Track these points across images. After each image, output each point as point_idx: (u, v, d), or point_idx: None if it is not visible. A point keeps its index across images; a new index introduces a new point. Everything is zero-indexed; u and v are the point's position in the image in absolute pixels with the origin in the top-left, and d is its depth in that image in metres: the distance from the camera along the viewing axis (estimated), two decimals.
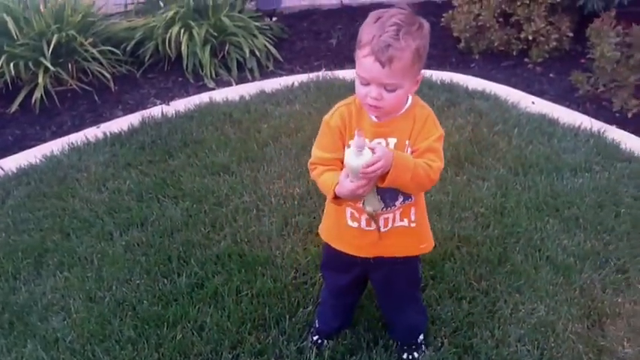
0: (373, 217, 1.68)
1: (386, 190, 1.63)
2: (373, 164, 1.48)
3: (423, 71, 1.60)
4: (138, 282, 2.35)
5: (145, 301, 2.26)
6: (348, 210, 1.74)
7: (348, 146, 1.58)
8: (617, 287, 2.32)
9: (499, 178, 2.89)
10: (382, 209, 1.68)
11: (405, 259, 1.85)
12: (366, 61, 1.50)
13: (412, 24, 1.51)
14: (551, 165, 2.99)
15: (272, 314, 2.19)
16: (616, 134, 3.26)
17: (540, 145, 3.15)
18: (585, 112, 3.56)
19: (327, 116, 1.70)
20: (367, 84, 1.54)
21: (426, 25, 1.56)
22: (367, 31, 1.51)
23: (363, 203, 1.64)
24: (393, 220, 1.74)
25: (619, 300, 2.26)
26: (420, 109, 1.66)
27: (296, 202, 2.73)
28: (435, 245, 2.44)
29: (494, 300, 2.26)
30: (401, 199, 1.70)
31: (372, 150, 1.50)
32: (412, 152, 1.64)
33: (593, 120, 3.40)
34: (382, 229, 1.73)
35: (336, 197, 1.62)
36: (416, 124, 1.63)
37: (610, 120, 3.47)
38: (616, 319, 2.19)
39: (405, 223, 1.76)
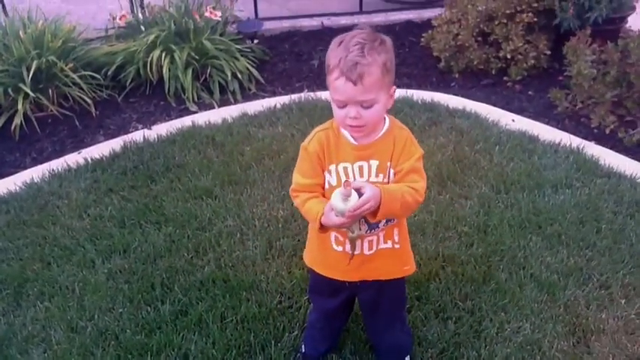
0: (353, 242, 1.68)
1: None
2: (362, 206, 1.50)
3: (394, 87, 1.62)
4: (120, 310, 2.32)
5: (127, 330, 2.22)
6: (333, 234, 1.75)
7: (338, 188, 1.59)
8: (600, 303, 2.33)
9: (482, 196, 2.91)
10: (366, 232, 1.69)
11: (391, 281, 1.85)
12: (338, 83, 1.53)
13: (374, 40, 1.54)
14: (533, 182, 3.02)
15: (257, 340, 2.17)
16: (595, 150, 3.31)
17: (521, 162, 3.18)
18: (564, 128, 3.61)
19: (305, 142, 1.70)
20: (344, 106, 1.56)
21: (388, 40, 1.59)
22: (333, 55, 1.54)
23: (347, 228, 1.65)
24: (377, 243, 1.75)
25: (603, 316, 2.28)
26: (399, 131, 1.67)
27: (280, 225, 2.72)
28: (420, 265, 2.48)
29: (480, 319, 2.26)
30: (384, 220, 1.70)
31: (359, 190, 1.51)
32: (395, 174, 1.65)
33: (572, 136, 3.45)
34: (367, 252, 1.74)
35: (321, 227, 1.64)
36: (396, 146, 1.64)
37: (589, 136, 3.52)
38: (601, 335, 2.20)
39: (389, 244, 1.76)
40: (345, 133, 1.66)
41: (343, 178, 1.65)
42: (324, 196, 1.69)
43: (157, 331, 2.22)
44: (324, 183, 1.70)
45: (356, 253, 1.71)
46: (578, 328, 2.23)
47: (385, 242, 1.76)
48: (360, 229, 1.65)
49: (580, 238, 2.65)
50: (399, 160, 1.64)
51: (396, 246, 1.77)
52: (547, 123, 3.67)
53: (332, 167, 1.66)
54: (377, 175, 1.65)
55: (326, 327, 2.05)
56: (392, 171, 1.65)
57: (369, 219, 1.61)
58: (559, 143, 3.37)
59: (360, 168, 1.65)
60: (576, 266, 2.50)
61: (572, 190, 2.96)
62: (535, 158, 3.21)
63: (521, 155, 3.24)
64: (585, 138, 3.47)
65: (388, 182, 1.66)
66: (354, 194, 1.51)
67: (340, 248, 1.76)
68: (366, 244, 1.74)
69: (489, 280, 2.43)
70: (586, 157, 3.24)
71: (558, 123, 3.69)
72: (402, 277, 1.91)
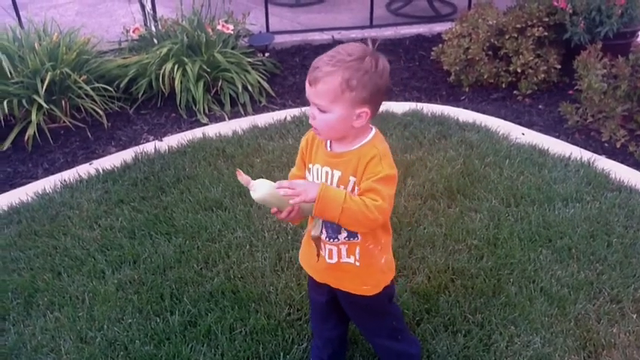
0: (316, 243, 1.75)
1: (329, 223, 1.68)
2: (289, 190, 1.55)
3: (366, 110, 1.58)
4: (130, 321, 2.33)
5: (137, 341, 2.23)
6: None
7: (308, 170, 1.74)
8: (611, 317, 2.31)
9: (491, 209, 2.91)
10: (326, 239, 1.74)
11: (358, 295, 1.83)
12: (305, 84, 1.61)
13: (351, 54, 1.54)
14: (543, 195, 3.00)
15: (266, 352, 2.17)
16: (605, 164, 3.29)
17: (531, 176, 3.17)
18: (575, 142, 3.60)
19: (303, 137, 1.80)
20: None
21: (374, 62, 1.56)
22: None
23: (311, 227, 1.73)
24: (339, 255, 1.76)
25: (614, 330, 2.25)
26: (369, 149, 1.63)
27: (289, 237, 2.73)
28: (429, 278, 2.48)
29: (490, 333, 2.25)
30: (344, 234, 1.71)
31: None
32: (358, 190, 1.64)
33: (582, 150, 3.44)
34: (328, 261, 1.77)
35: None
36: (360, 163, 1.63)
37: (599, 150, 3.51)
38: (612, 350, 2.18)
39: (351, 260, 1.77)
40: None
41: (315, 178, 1.71)
42: None
43: (165, 342, 2.22)
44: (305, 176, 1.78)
45: (321, 254, 1.78)
46: (589, 343, 2.20)
47: (348, 257, 1.76)
48: (317, 232, 1.72)
49: (590, 252, 2.64)
50: (362, 178, 1.63)
51: (357, 263, 1.76)
52: (557, 137, 3.66)
53: (310, 165, 1.74)
54: (338, 186, 1.65)
55: (322, 332, 2.04)
56: (356, 188, 1.64)
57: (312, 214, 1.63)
58: (569, 157, 3.36)
59: (326, 174, 1.69)
60: (587, 280, 2.48)
61: (582, 203, 2.94)
62: (545, 172, 3.20)
63: (531, 169, 3.23)
64: (596, 152, 3.46)
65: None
66: (259, 185, 1.59)
67: (313, 245, 1.80)
68: (326, 252, 1.76)
69: (499, 293, 2.42)
70: (596, 170, 3.22)
71: (568, 137, 3.68)
72: (374, 295, 1.85)
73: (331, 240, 1.74)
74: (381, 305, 1.91)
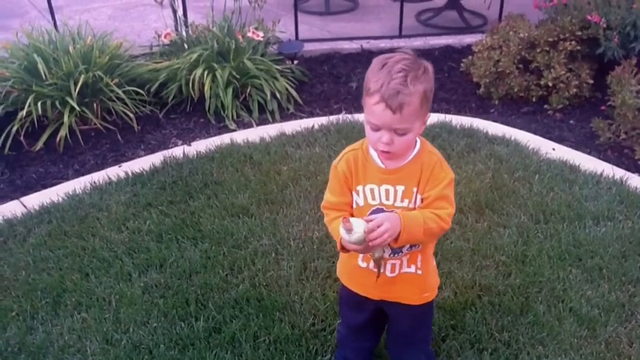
0: (378, 263, 1.69)
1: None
2: (379, 237, 1.51)
3: (429, 114, 1.62)
4: (155, 325, 2.34)
5: (161, 345, 2.24)
6: None
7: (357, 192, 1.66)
8: None
9: (520, 225, 2.86)
10: (389, 255, 1.71)
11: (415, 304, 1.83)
12: (376, 109, 1.52)
13: (418, 69, 1.53)
14: (573, 213, 2.95)
15: None
16: (639, 182, 3.22)
17: (562, 193, 3.12)
18: (607, 159, 3.53)
19: (335, 161, 1.73)
20: (378, 129, 1.56)
21: (430, 67, 1.58)
22: (374, 78, 1.52)
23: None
24: (400, 267, 1.75)
25: None
26: (429, 156, 1.66)
27: (315, 247, 2.72)
28: (456, 294, 2.45)
29: (517, 352, 2.21)
30: (408, 245, 1.70)
31: (368, 222, 1.53)
32: (422, 200, 1.65)
33: (615, 168, 3.38)
34: (389, 274, 1.75)
35: (342, 248, 1.65)
36: (424, 172, 1.63)
37: (632, 168, 3.44)
38: None
39: (412, 269, 1.76)
40: (374, 154, 1.67)
41: (370, 199, 1.66)
42: (352, 215, 1.69)
43: (190, 348, 2.23)
44: (352, 202, 1.71)
45: (380, 271, 1.73)
46: None
47: (409, 267, 1.75)
48: (383, 252, 1.66)
49: (622, 272, 2.58)
50: (427, 187, 1.63)
51: (419, 272, 1.76)
52: (589, 153, 3.60)
53: (359, 188, 1.67)
54: (402, 200, 1.65)
55: (354, 344, 2.03)
56: (419, 197, 1.65)
57: (391, 244, 1.61)
58: (601, 174, 3.30)
59: (387, 191, 1.65)
60: (618, 302, 2.43)
61: (614, 222, 2.88)
62: (576, 189, 3.15)
63: (562, 185, 3.18)
64: (628, 169, 3.40)
65: (414, 207, 1.65)
66: (357, 226, 1.51)
67: (365, 264, 1.77)
68: (389, 266, 1.74)
69: (527, 311, 2.38)
70: (629, 189, 3.16)
71: (600, 153, 3.62)
72: (428, 302, 1.88)
73: (395, 255, 1.72)
74: (432, 312, 1.95)
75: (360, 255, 1.76)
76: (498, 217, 2.94)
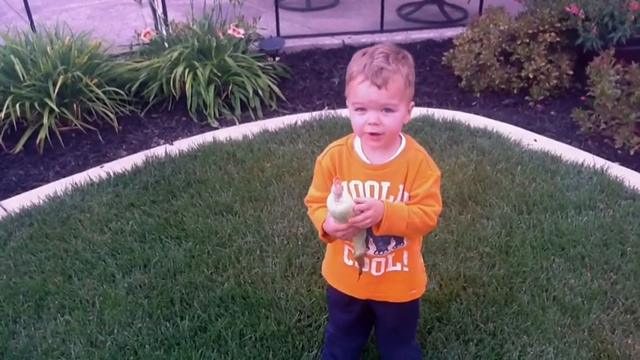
0: (360, 261, 1.68)
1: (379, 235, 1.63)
2: (361, 215, 1.52)
3: (412, 104, 1.64)
4: (140, 325, 2.32)
5: (147, 346, 2.22)
6: (346, 248, 1.75)
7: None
8: (626, 328, 2.28)
9: (503, 216, 2.88)
10: (375, 253, 1.70)
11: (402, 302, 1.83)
12: (361, 87, 1.53)
13: (398, 53, 1.57)
14: (555, 203, 2.98)
15: (276, 358, 2.16)
16: (619, 171, 3.26)
17: (544, 183, 3.14)
18: (587, 149, 3.57)
19: (320, 156, 1.73)
20: (364, 111, 1.56)
21: (410, 56, 1.61)
22: (357, 63, 1.56)
23: (351, 247, 1.67)
24: (386, 265, 1.74)
25: (629, 341, 2.22)
26: (415, 153, 1.66)
27: (300, 243, 2.72)
28: (441, 286, 2.46)
29: (502, 342, 2.22)
30: (393, 243, 1.71)
31: (359, 204, 1.52)
32: (410, 198, 1.65)
33: (595, 157, 3.41)
34: (375, 273, 1.74)
35: (325, 234, 1.66)
36: (410, 169, 1.64)
37: (612, 157, 3.48)
38: None
39: (398, 267, 1.75)
40: (359, 150, 1.66)
41: (354, 196, 1.64)
42: None
43: (175, 347, 2.22)
44: None
45: (364, 270, 1.72)
46: (603, 354, 2.17)
47: (394, 265, 1.75)
48: (363, 249, 1.64)
49: (604, 260, 2.61)
50: (414, 185, 1.64)
51: (405, 269, 1.76)
52: (570, 143, 3.64)
53: (343, 184, 1.65)
54: (387, 197, 1.64)
55: (343, 343, 2.02)
56: (406, 194, 1.65)
57: (373, 231, 1.61)
58: (582, 164, 3.33)
59: (372, 187, 1.65)
60: (600, 290, 2.45)
61: (595, 211, 2.91)
62: (558, 179, 3.18)
63: (544, 176, 3.21)
64: (609, 159, 3.43)
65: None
66: (347, 196, 1.50)
67: (351, 262, 1.76)
68: (374, 265, 1.73)
69: (511, 302, 2.40)
70: (610, 178, 3.19)
71: (581, 143, 3.66)
72: (415, 299, 1.88)
73: (380, 252, 1.71)
74: (418, 305, 1.95)
75: (346, 253, 1.75)
76: (482, 208, 2.95)
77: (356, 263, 1.72)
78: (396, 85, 1.53)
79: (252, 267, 2.60)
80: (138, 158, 3.49)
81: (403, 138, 1.68)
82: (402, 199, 1.65)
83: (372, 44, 1.65)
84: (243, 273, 2.56)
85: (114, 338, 2.27)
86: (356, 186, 1.65)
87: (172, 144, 3.71)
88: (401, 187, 1.64)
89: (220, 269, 2.60)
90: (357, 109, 1.57)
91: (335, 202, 1.50)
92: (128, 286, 2.52)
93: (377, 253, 1.71)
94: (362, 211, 1.52)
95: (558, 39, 4.15)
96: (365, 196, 1.64)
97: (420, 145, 1.70)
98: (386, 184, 1.63)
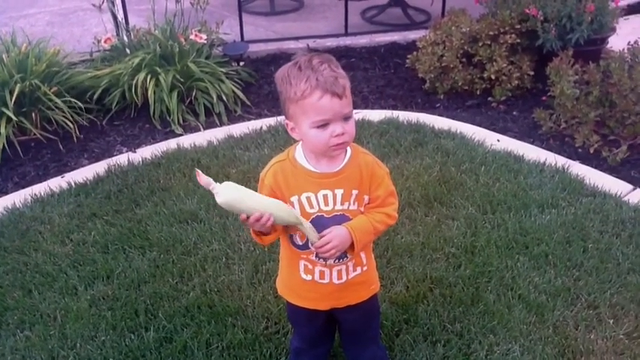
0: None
1: None
2: (324, 247, 1.57)
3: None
4: (103, 338, 2.27)
5: (110, 359, 2.17)
6: (302, 263, 1.72)
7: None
8: (589, 324, 2.32)
9: (468, 217, 2.91)
10: (334, 262, 1.69)
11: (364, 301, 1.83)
12: (323, 102, 1.49)
13: (330, 60, 1.55)
14: (519, 202, 3.02)
15: None
16: (580, 169, 3.33)
17: (507, 183, 3.19)
18: (549, 148, 3.63)
19: (262, 172, 1.68)
20: (326, 125, 1.52)
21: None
22: (302, 80, 1.49)
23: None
24: (347, 272, 1.73)
25: (592, 337, 2.26)
26: (364, 157, 1.67)
27: (266, 249, 2.69)
28: (408, 288, 2.47)
29: (469, 342, 2.24)
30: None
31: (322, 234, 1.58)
32: (371, 200, 1.66)
33: (557, 156, 3.47)
34: (336, 282, 1.73)
35: (256, 233, 1.64)
36: (364, 172, 1.64)
37: (573, 156, 3.55)
38: (590, 356, 2.19)
39: (359, 271, 1.76)
40: (304, 162, 1.62)
41: (307, 208, 1.62)
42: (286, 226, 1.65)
43: (140, 359, 2.17)
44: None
45: (324, 282, 1.71)
46: (567, 350, 2.21)
47: (354, 270, 1.74)
48: (315, 235, 1.60)
49: (567, 257, 2.65)
50: (371, 187, 1.65)
51: (365, 268, 1.77)
52: (532, 143, 3.69)
53: (294, 199, 1.62)
54: (342, 204, 1.63)
55: (310, 353, 2.00)
56: (366, 197, 1.66)
57: (348, 253, 1.66)
58: (544, 163, 3.38)
59: (325, 197, 1.62)
60: (564, 286, 2.49)
61: (558, 209, 2.96)
62: (521, 178, 3.22)
63: (507, 175, 3.25)
64: (570, 157, 3.50)
65: (357, 209, 1.65)
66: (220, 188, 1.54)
67: (309, 277, 1.73)
68: (335, 274, 1.72)
69: (478, 301, 2.42)
70: (571, 176, 3.25)
71: (543, 143, 3.72)
72: (374, 295, 1.88)
73: (340, 260, 1.69)
74: (378, 300, 1.97)
75: (302, 267, 1.72)
76: (447, 209, 2.98)
77: (315, 276, 1.71)
78: (349, 90, 1.54)
79: (218, 275, 2.57)
80: (100, 167, 3.42)
81: None
82: (358, 204, 1.65)
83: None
84: (209, 281, 2.53)
85: (76, 353, 2.22)
86: (308, 198, 1.62)
87: (135, 152, 3.64)
88: (354, 192, 1.63)
89: (186, 278, 2.56)
90: (317, 127, 1.52)
91: (215, 196, 1.54)
92: (91, 299, 2.46)
93: (336, 261, 1.69)
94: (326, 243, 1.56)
95: (519, 40, 4.22)
96: (319, 205, 1.62)
97: (363, 148, 1.71)
98: (339, 191, 1.62)
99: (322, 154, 1.60)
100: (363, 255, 1.74)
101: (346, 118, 1.54)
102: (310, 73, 1.49)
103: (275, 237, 1.67)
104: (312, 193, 1.62)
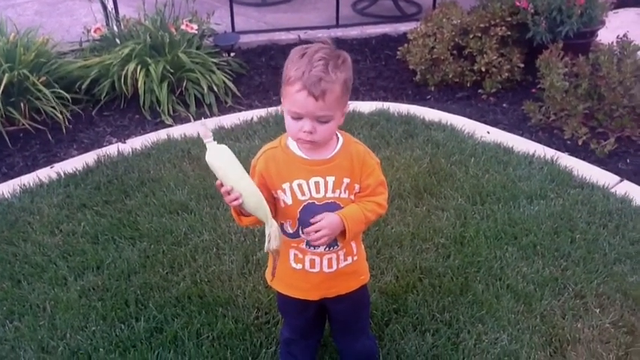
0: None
1: None
2: (316, 234, 1.57)
3: (348, 104, 1.63)
4: (93, 329, 2.27)
5: (101, 349, 2.18)
6: (292, 252, 1.73)
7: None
8: (576, 313, 2.35)
9: (458, 208, 2.93)
10: (325, 249, 1.69)
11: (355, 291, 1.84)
12: (299, 96, 1.49)
13: (337, 58, 1.53)
14: (508, 193, 3.04)
15: (234, 357, 2.14)
16: (568, 161, 3.35)
17: (496, 174, 3.21)
18: (538, 140, 3.66)
19: (254, 159, 1.69)
20: (300, 118, 1.53)
21: (348, 58, 1.58)
22: (294, 67, 1.50)
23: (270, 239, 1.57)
24: (338, 261, 1.74)
25: (578, 325, 2.29)
26: (355, 146, 1.68)
27: (257, 239, 2.70)
28: (397, 278, 2.49)
29: (458, 331, 2.26)
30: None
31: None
32: (361, 189, 1.67)
33: (546, 148, 3.49)
34: (327, 270, 1.73)
35: (238, 215, 1.65)
36: (355, 161, 1.65)
37: (562, 147, 3.57)
38: (577, 345, 2.22)
39: (350, 260, 1.76)
40: (295, 149, 1.64)
41: (299, 195, 1.63)
42: (276, 214, 1.66)
43: (131, 350, 2.17)
44: (273, 200, 1.67)
45: (314, 271, 1.71)
46: (554, 339, 2.24)
47: (345, 259, 1.75)
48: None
49: (555, 248, 2.68)
50: (362, 177, 1.66)
51: (355, 258, 1.78)
52: (521, 135, 3.72)
53: (285, 186, 1.63)
54: (334, 191, 1.64)
55: (300, 343, 2.01)
56: (357, 185, 1.66)
57: (339, 242, 1.66)
58: (533, 155, 3.41)
59: (317, 184, 1.63)
60: (552, 276, 2.52)
61: (546, 200, 2.99)
62: (510, 170, 3.25)
63: (497, 167, 3.27)
64: (558, 149, 3.52)
65: (347, 198, 1.66)
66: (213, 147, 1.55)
67: (299, 266, 1.74)
68: (325, 263, 1.72)
69: (466, 291, 2.44)
70: (560, 168, 3.28)
71: (532, 135, 3.74)
72: (364, 285, 1.89)
73: (330, 248, 1.70)
74: (368, 291, 1.97)
75: (292, 257, 1.73)
76: (437, 200, 2.99)
77: (305, 265, 1.71)
78: (334, 95, 1.51)
79: (208, 265, 2.57)
80: (89, 157, 3.40)
81: (338, 133, 1.67)
82: (348, 192, 1.66)
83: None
84: (200, 272, 2.53)
85: (66, 343, 2.22)
86: (299, 185, 1.63)
87: (125, 142, 3.63)
88: (346, 180, 1.64)
89: (176, 269, 2.56)
90: (291, 116, 1.54)
91: (207, 152, 1.55)
92: (81, 289, 2.46)
93: (327, 249, 1.70)
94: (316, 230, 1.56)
95: (509, 33, 4.23)
96: (310, 192, 1.63)
97: (356, 138, 1.72)
98: (331, 179, 1.63)
99: (297, 143, 1.62)
100: (353, 244, 1.75)
101: (321, 120, 1.53)
102: (303, 64, 1.49)
103: (252, 220, 1.63)
104: (304, 180, 1.62)
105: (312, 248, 1.69)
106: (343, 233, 1.61)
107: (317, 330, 2.02)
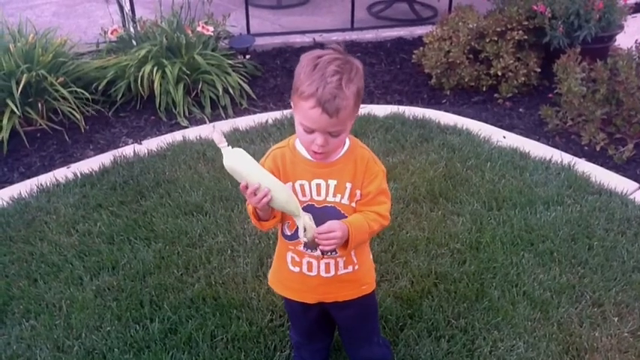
0: (310, 244, 1.62)
1: None
2: (328, 234, 1.54)
3: (364, 106, 1.62)
4: (108, 329, 2.28)
5: (115, 349, 2.18)
6: (289, 254, 1.73)
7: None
8: (593, 321, 2.32)
9: (474, 213, 2.91)
10: (324, 255, 1.68)
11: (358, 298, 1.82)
12: (313, 113, 1.47)
13: (350, 70, 1.50)
14: (525, 199, 3.01)
15: (248, 359, 2.13)
16: (585, 167, 3.32)
17: (513, 179, 3.18)
18: (555, 145, 3.62)
19: (262, 159, 1.69)
20: (312, 132, 1.52)
21: (360, 66, 1.55)
22: (308, 81, 1.47)
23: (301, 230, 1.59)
24: (336, 268, 1.73)
25: (596, 334, 2.26)
26: (361, 151, 1.67)
27: (271, 242, 2.70)
28: (412, 283, 2.47)
29: (473, 338, 2.24)
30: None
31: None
32: (362, 196, 1.65)
33: (563, 153, 3.46)
34: (324, 275, 1.72)
35: (256, 218, 1.65)
36: (358, 166, 1.64)
37: (579, 153, 3.54)
38: (594, 354, 2.19)
39: (350, 269, 1.75)
40: (302, 150, 1.64)
41: (300, 196, 1.63)
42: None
43: (145, 350, 2.18)
44: None
45: (311, 274, 1.72)
46: (571, 347, 2.21)
47: (346, 268, 1.74)
48: (311, 232, 1.56)
49: (572, 255, 2.65)
50: (364, 183, 1.64)
51: (356, 267, 1.76)
52: (538, 140, 3.68)
53: (288, 185, 1.64)
54: (334, 195, 1.64)
55: (308, 347, 2.01)
56: (358, 192, 1.65)
57: (339, 251, 1.64)
58: (550, 160, 3.38)
59: (318, 186, 1.63)
60: (569, 284, 2.49)
61: (563, 207, 2.96)
62: (526, 175, 3.22)
63: (513, 172, 3.25)
64: (576, 155, 3.49)
65: (348, 204, 1.65)
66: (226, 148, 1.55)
67: (297, 269, 1.74)
68: (322, 267, 1.72)
69: (482, 297, 2.42)
70: (577, 174, 3.25)
71: (549, 140, 3.71)
72: (368, 294, 1.86)
73: (329, 254, 1.69)
74: (375, 302, 1.94)
75: (289, 259, 1.73)
76: (452, 205, 2.97)
77: (303, 269, 1.71)
78: (347, 110, 1.50)
79: (223, 267, 2.57)
80: (105, 158, 3.43)
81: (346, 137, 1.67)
82: (350, 198, 1.65)
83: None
84: (214, 273, 2.54)
85: (81, 342, 2.22)
86: (302, 185, 1.63)
87: (141, 143, 3.65)
88: (348, 185, 1.63)
89: (191, 270, 2.57)
90: (304, 129, 1.53)
91: (224, 157, 1.54)
92: (96, 289, 2.47)
93: (326, 254, 1.69)
94: (328, 232, 1.54)
95: (526, 37, 4.20)
96: (311, 194, 1.63)
97: (363, 144, 1.70)
98: (333, 182, 1.63)
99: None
100: (353, 254, 1.72)
101: (334, 135, 1.53)
102: (317, 79, 1.46)
103: (274, 223, 1.65)
104: (306, 181, 1.63)
105: (309, 251, 1.68)
106: (346, 242, 1.60)
107: (323, 336, 2.01)
